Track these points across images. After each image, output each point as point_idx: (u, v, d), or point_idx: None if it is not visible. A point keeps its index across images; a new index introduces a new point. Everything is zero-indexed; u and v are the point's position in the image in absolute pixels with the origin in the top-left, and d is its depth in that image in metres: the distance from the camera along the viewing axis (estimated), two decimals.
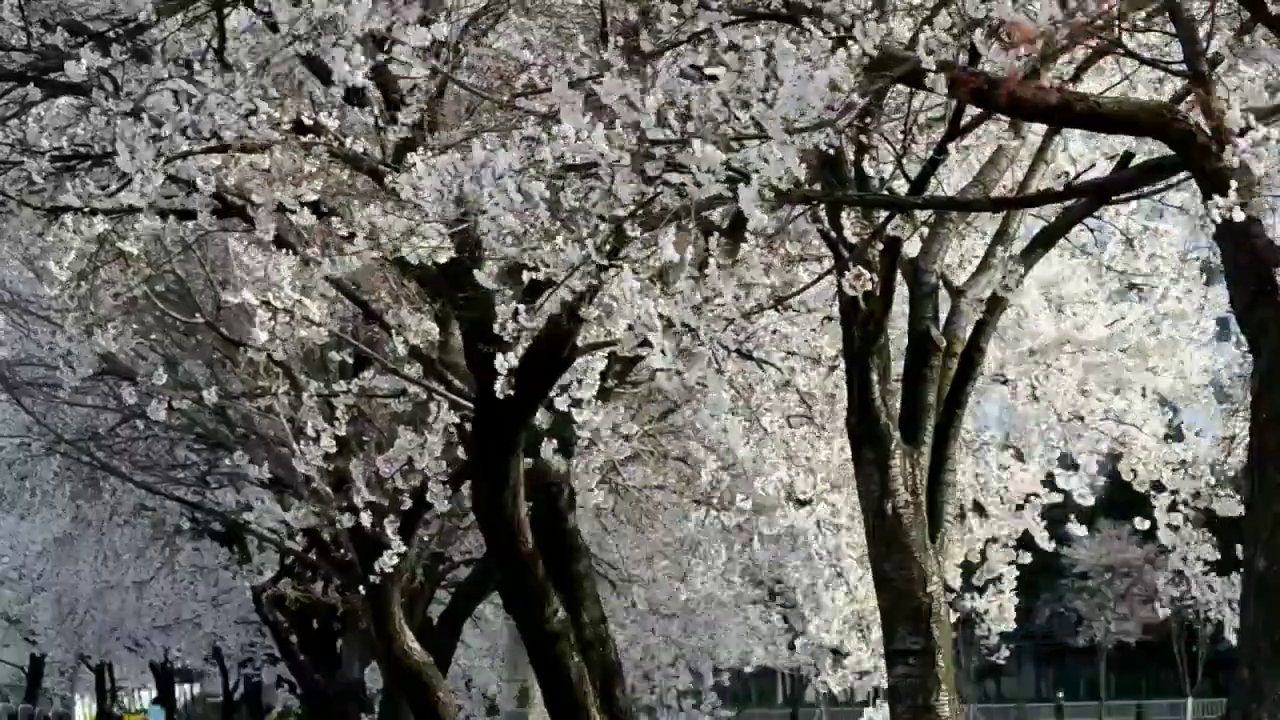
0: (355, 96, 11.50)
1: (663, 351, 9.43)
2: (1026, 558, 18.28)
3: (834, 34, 8.24)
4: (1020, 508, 17.83)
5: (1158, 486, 16.29)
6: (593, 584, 16.76)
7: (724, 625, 24.41)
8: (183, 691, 72.55)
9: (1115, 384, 16.84)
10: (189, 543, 31.56)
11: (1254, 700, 8.94)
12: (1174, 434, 16.96)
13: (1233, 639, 10.88)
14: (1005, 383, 17.04)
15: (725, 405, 15.01)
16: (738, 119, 8.44)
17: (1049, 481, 17.80)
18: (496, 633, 29.91)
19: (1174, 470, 16.16)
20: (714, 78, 8.46)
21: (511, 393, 12.41)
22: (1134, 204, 15.21)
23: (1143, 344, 16.31)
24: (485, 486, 14.97)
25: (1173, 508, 16.18)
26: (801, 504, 16.80)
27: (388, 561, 17.44)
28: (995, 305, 13.92)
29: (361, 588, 18.67)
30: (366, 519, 17.00)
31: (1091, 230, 15.93)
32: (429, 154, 10.16)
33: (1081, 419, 16.97)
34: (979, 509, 17.58)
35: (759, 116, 8.25)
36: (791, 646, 26.72)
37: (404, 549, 17.70)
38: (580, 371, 15.19)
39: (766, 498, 16.91)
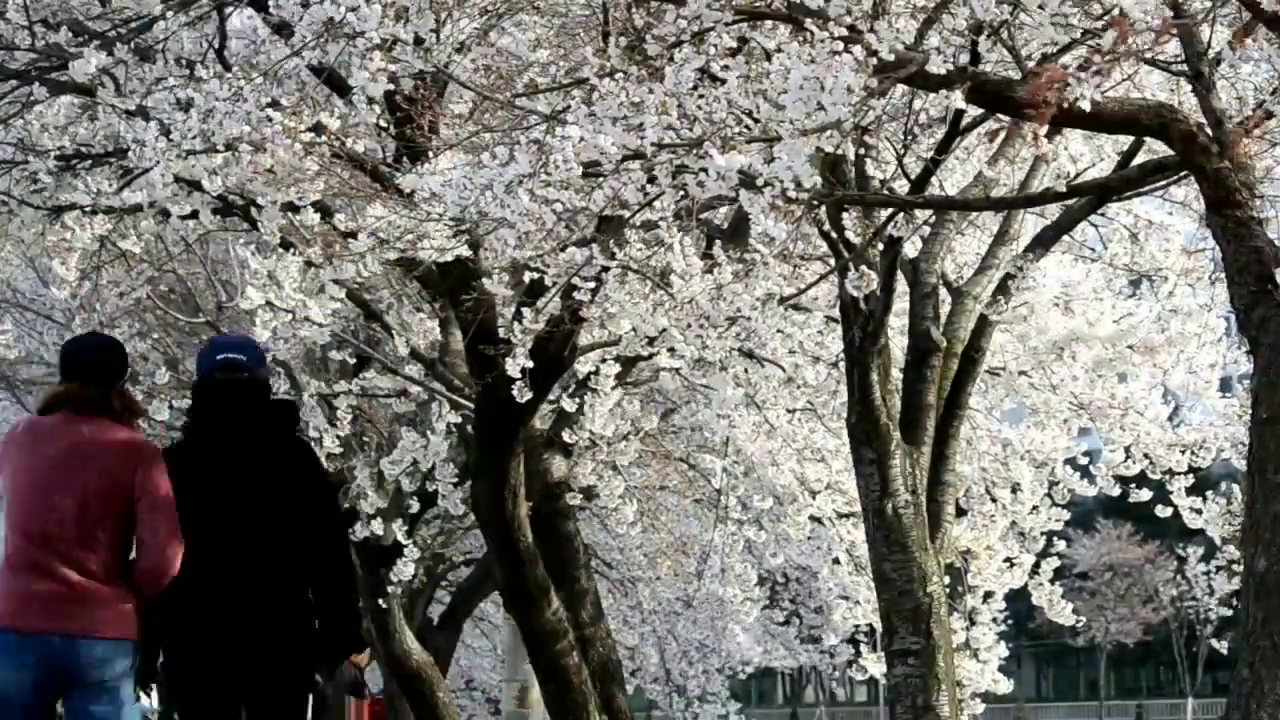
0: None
1: (671, 351, 9.41)
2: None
3: (838, 35, 8.23)
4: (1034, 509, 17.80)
5: (1170, 474, 16.44)
6: (593, 583, 16.77)
7: (730, 625, 24.35)
8: None
9: (1121, 377, 16.82)
10: None
11: (1254, 700, 8.94)
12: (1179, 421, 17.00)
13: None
14: (1022, 374, 17.00)
15: (734, 402, 15.01)
16: (746, 127, 8.41)
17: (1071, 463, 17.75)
18: (496, 632, 29.90)
19: (1181, 453, 16.27)
20: (721, 80, 8.43)
21: (530, 395, 12.41)
22: (1138, 199, 15.20)
23: (1150, 340, 16.30)
24: (485, 486, 14.97)
25: (1191, 490, 16.34)
26: (814, 494, 16.80)
27: (404, 570, 17.39)
28: (1003, 303, 13.92)
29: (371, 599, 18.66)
30: (378, 526, 16.96)
31: (1097, 226, 15.91)
32: (437, 153, 10.14)
33: (1083, 407, 16.93)
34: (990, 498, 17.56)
35: (766, 119, 8.23)
36: (809, 640, 26.69)
37: (417, 555, 17.67)
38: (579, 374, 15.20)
39: (781, 490, 16.90)
